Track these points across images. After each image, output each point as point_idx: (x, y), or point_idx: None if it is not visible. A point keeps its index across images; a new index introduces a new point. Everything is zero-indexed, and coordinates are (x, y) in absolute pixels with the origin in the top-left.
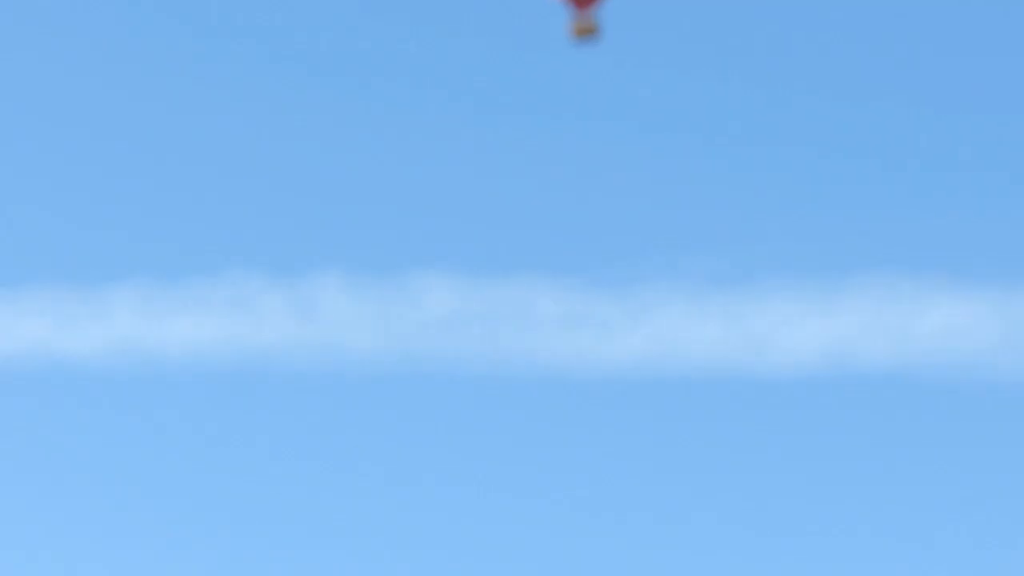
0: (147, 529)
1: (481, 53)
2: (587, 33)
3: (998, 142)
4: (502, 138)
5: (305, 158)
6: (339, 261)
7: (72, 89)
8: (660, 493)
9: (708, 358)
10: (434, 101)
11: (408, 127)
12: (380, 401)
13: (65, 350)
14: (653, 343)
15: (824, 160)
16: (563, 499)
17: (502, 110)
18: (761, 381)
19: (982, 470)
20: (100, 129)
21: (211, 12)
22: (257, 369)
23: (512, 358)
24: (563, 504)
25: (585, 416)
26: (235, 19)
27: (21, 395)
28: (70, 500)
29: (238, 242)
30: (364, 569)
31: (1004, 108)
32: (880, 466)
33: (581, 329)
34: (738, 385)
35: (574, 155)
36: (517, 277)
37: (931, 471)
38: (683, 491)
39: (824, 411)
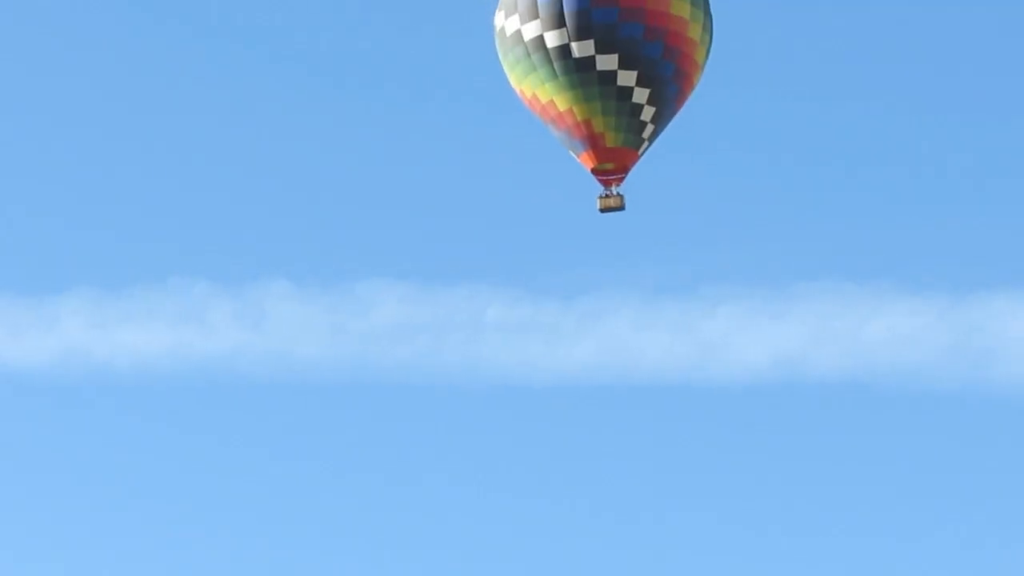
0: (94, 534)
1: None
2: (613, 208)
3: (946, 153)
4: (449, 149)
5: (253, 169)
6: (287, 271)
7: (18, 99)
8: (608, 498)
9: (657, 366)
10: (384, 114)
11: (357, 136)
12: (329, 409)
13: (12, 360)
14: (602, 351)
15: (772, 170)
16: (510, 502)
17: (448, 120)
18: (711, 389)
19: (931, 475)
20: (43, 140)
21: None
22: (206, 378)
23: (460, 366)
24: (510, 507)
25: (534, 423)
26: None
27: None
28: (20, 505)
29: (186, 252)
30: (319, 569)
31: (955, 119)
32: (829, 471)
33: (529, 337)
34: (688, 392)
35: (519, 165)
36: (465, 286)
37: (880, 476)
38: (631, 496)
39: (774, 418)
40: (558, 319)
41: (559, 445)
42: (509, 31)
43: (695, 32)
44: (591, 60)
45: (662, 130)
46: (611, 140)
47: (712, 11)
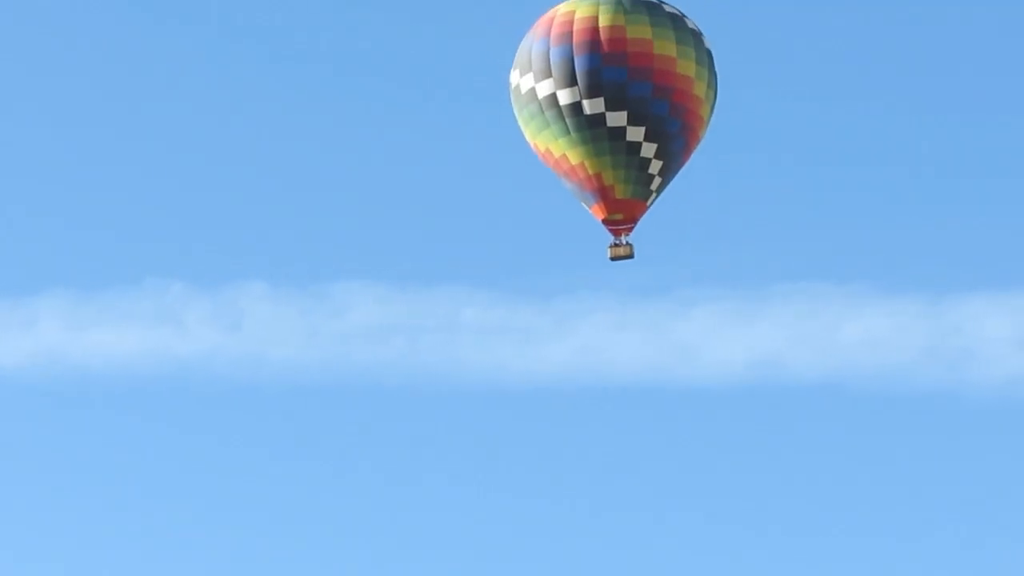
0: (70, 534)
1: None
2: (623, 257)
3: (923, 155)
4: (421, 151)
5: (228, 171)
6: (263, 272)
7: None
8: (584, 500)
9: (634, 368)
10: (378, 115)
11: (330, 140)
12: (304, 410)
13: None
14: (578, 353)
15: (749, 173)
16: (487, 503)
17: (420, 124)
18: (687, 391)
19: (907, 477)
20: (15, 141)
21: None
22: (182, 379)
23: (436, 368)
24: (486, 507)
25: (509, 425)
26: None
27: None
28: None
29: (162, 253)
30: (293, 570)
31: (929, 121)
32: (805, 473)
33: (505, 339)
34: (664, 395)
35: (497, 166)
36: (441, 288)
37: (856, 478)
38: (607, 498)
39: (750, 420)
40: (534, 321)
41: (536, 447)
42: (524, 88)
43: (700, 89)
44: (601, 117)
45: (669, 182)
46: (620, 192)
47: (717, 69)
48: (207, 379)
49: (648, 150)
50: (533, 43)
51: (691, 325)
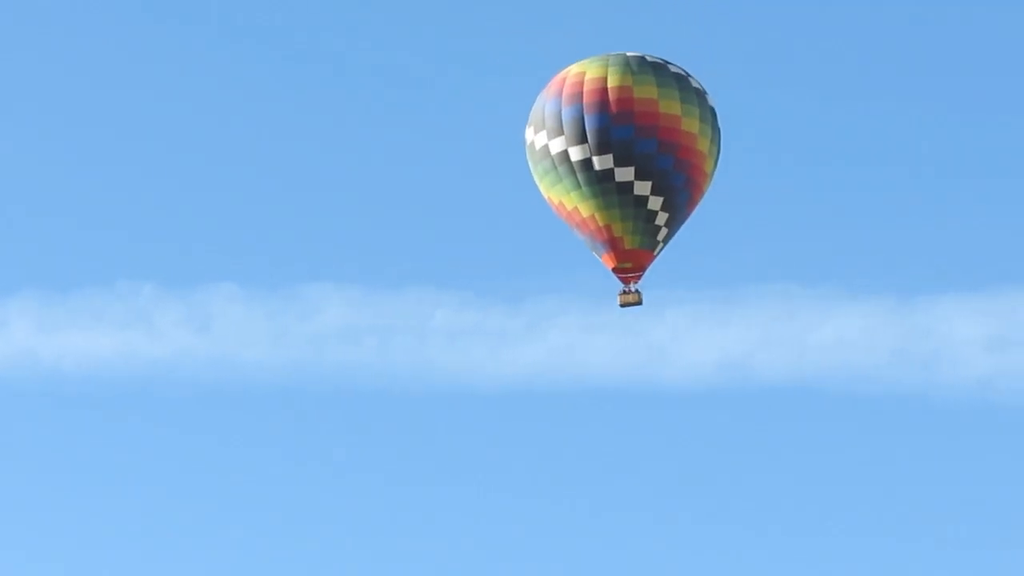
0: (40, 534)
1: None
2: (632, 304)
3: (891, 159)
4: (395, 152)
5: (198, 172)
6: (233, 274)
7: None
8: (554, 502)
9: (604, 370)
10: (323, 112)
11: (301, 143)
12: (274, 412)
13: None
14: (548, 355)
15: (731, 175)
16: (456, 506)
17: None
18: (658, 393)
19: (877, 477)
20: None
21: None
22: (152, 381)
23: (406, 370)
24: (456, 510)
25: (479, 427)
26: None
27: None
28: None
29: (132, 255)
30: (260, 571)
31: (900, 123)
32: (776, 474)
33: (475, 341)
34: (635, 397)
35: (464, 169)
36: (411, 290)
37: (826, 479)
38: (581, 499)
39: (720, 422)
40: (505, 323)
41: (508, 449)
42: (538, 145)
43: (703, 145)
44: (610, 172)
45: (675, 232)
46: (629, 243)
47: (720, 125)
48: (178, 381)
49: (655, 203)
50: (546, 103)
51: (662, 327)
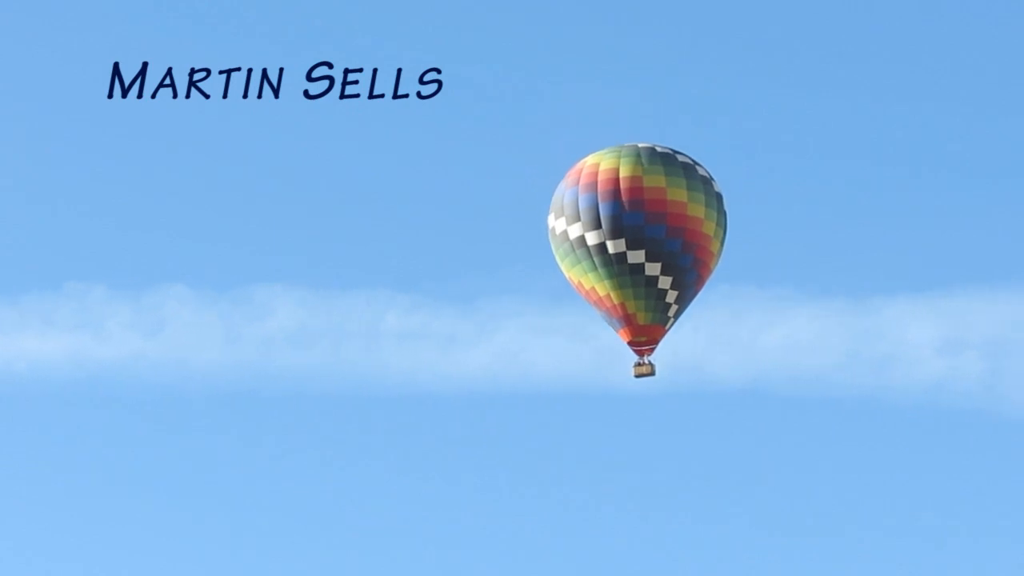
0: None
1: None
2: (646, 375)
3: (844, 160)
4: (348, 155)
5: (150, 175)
6: (184, 276)
7: None
8: (506, 505)
9: (555, 373)
10: (287, 114)
11: (250, 143)
12: (226, 414)
13: None
14: (499, 357)
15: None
16: (408, 507)
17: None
18: (607, 395)
19: (829, 480)
20: None
21: None
22: (103, 383)
23: (358, 372)
24: (408, 511)
25: (431, 429)
26: None
27: None
28: None
29: (82, 256)
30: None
31: (847, 124)
32: (727, 476)
33: (426, 343)
34: (584, 400)
35: (425, 169)
36: (362, 292)
37: (778, 481)
38: (529, 503)
39: (673, 424)
40: (456, 325)
41: (457, 450)
42: (558, 231)
43: (709, 228)
44: (623, 255)
45: (685, 308)
46: (642, 319)
47: (726, 208)
48: (128, 383)
49: (665, 282)
50: (565, 191)
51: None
